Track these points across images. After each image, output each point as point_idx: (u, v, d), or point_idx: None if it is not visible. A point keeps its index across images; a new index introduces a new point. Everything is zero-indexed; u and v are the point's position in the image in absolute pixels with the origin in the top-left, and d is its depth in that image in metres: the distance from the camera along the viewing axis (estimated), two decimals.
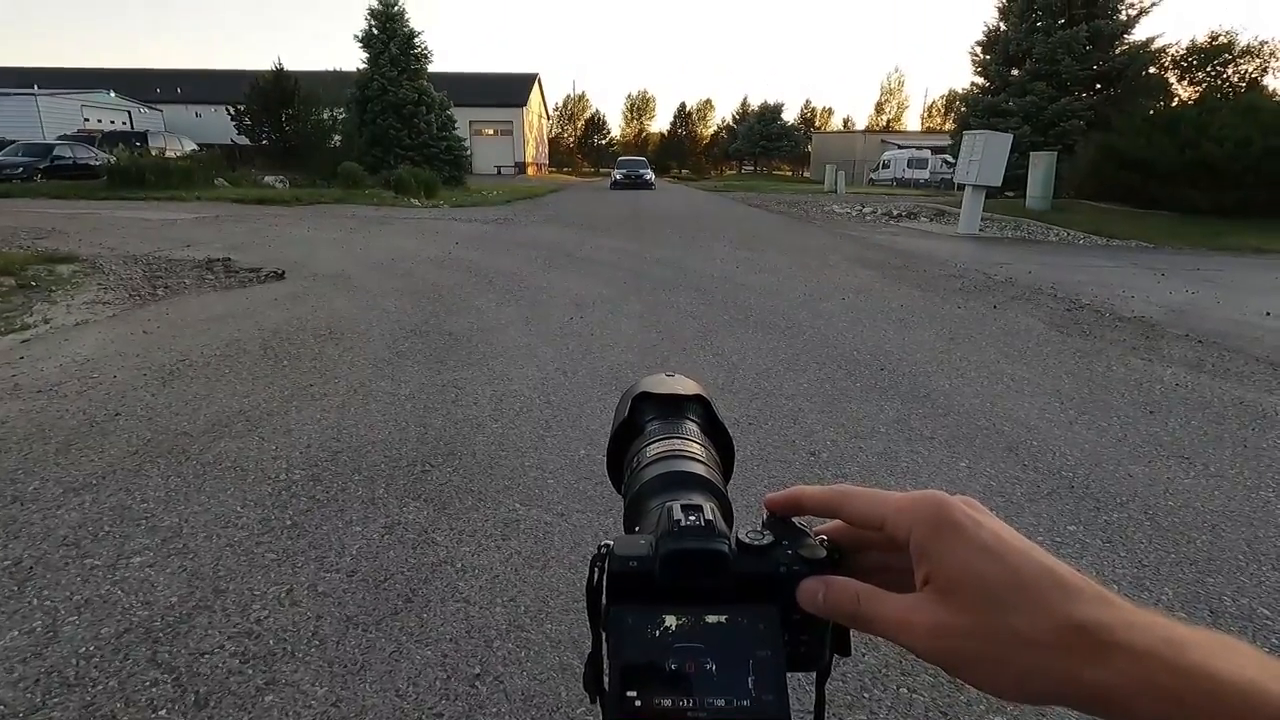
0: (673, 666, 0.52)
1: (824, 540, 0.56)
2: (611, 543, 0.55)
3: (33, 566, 2.01)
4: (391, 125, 22.43)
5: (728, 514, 0.66)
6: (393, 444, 2.90)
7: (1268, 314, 5.97)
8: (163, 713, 1.50)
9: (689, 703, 0.51)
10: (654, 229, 12.21)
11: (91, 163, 19.27)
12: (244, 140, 24.27)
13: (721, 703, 0.52)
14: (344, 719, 1.50)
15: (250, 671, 1.63)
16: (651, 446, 0.80)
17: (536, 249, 9.10)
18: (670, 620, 0.53)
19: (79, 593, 1.90)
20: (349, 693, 1.58)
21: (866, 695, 1.62)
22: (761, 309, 5.70)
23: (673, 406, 0.89)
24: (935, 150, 36.52)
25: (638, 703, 0.51)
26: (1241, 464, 2.94)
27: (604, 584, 0.55)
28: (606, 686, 0.52)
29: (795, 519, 0.60)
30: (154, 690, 1.57)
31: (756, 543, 0.54)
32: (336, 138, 23.83)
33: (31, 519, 2.26)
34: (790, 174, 64.30)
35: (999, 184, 12.71)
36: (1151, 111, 16.87)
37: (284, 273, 6.69)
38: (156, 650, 1.69)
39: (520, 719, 1.51)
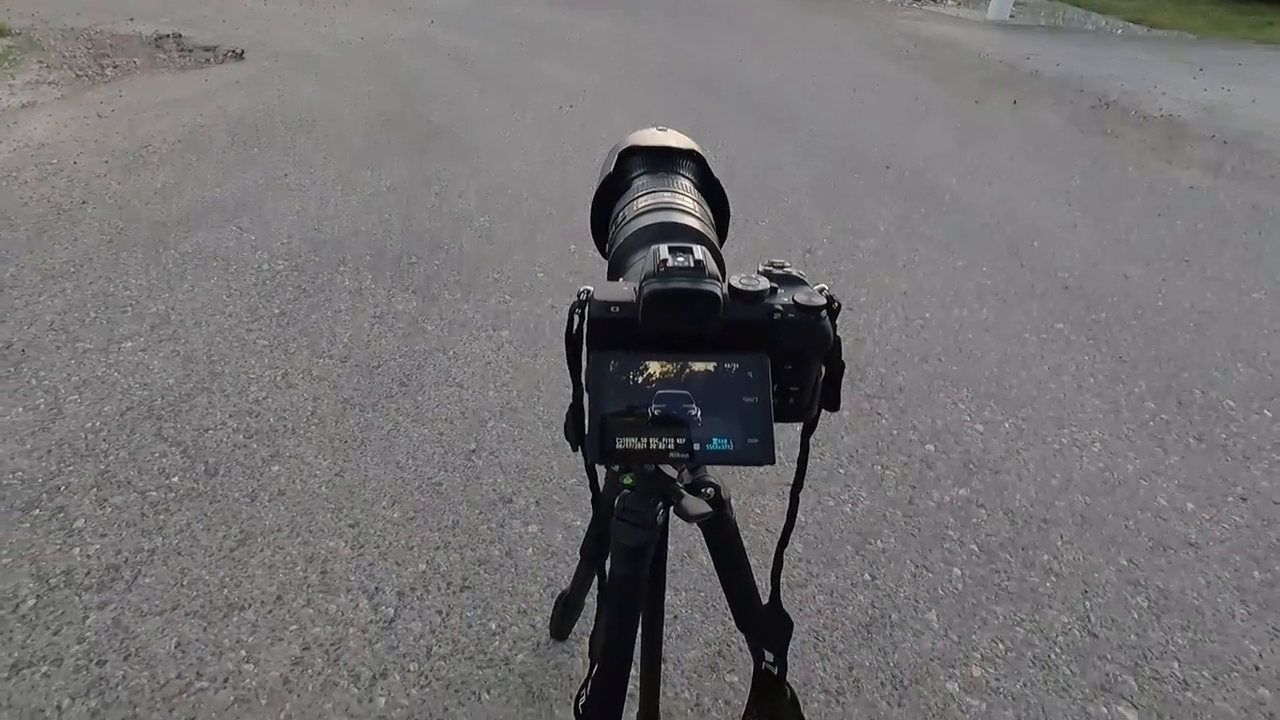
0: (656, 412, 0.49)
1: (824, 289, 0.51)
2: (591, 288, 0.50)
3: (24, 349, 2.01)
4: None
5: (720, 266, 0.61)
6: (376, 237, 2.81)
7: None
8: (175, 479, 1.59)
9: (671, 444, 0.49)
10: (650, 12, 10.99)
11: None
12: None
13: (706, 445, 0.50)
14: (349, 487, 1.59)
15: (255, 446, 1.70)
16: (640, 200, 0.72)
17: (521, 31, 8.23)
18: (654, 368, 0.49)
19: (75, 374, 1.92)
20: (351, 464, 1.66)
21: (842, 471, 1.72)
22: (765, 101, 5.29)
23: (663, 160, 0.79)
24: None
25: (618, 445, 0.49)
26: (1240, 267, 2.91)
27: (584, 331, 0.50)
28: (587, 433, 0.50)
29: (792, 268, 0.54)
30: (164, 460, 1.64)
31: (750, 288, 0.49)
32: None
33: (14, 304, 2.23)
34: None
35: None
36: None
37: (243, 52, 6.07)
38: (161, 426, 1.75)
39: (515, 488, 1.61)
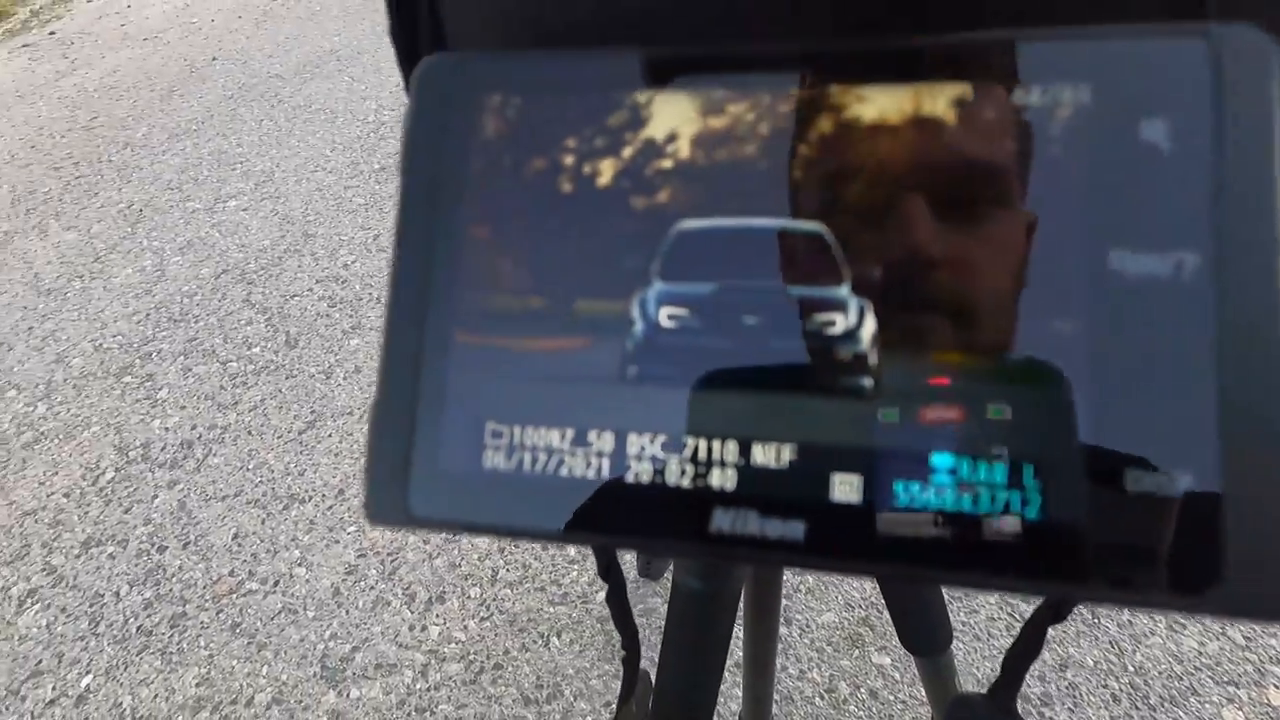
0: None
1: None
2: None
3: (142, 209, 1.97)
4: None
5: None
6: None
7: None
8: (256, 349, 1.46)
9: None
10: None
11: None
12: None
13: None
14: None
15: (337, 315, 1.53)
16: None
17: None
18: (665, 120, 0.16)
19: (181, 235, 1.85)
20: None
21: None
22: None
23: None
24: None
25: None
26: None
27: None
28: None
29: None
30: (249, 329, 1.52)
31: None
32: None
33: (140, 163, 2.20)
34: None
35: None
36: None
37: None
38: (251, 291, 1.63)
39: None
